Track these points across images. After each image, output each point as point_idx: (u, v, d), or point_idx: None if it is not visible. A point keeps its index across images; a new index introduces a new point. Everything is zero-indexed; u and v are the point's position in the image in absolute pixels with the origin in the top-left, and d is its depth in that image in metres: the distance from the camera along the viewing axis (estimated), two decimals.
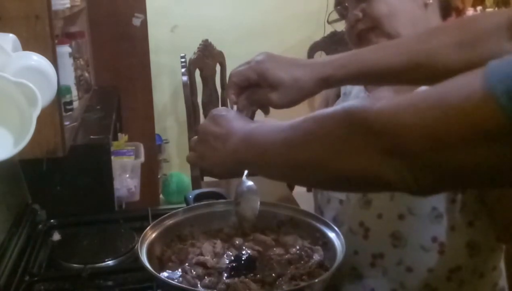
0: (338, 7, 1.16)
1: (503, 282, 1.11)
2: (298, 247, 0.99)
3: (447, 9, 1.12)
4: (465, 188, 0.88)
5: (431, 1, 1.08)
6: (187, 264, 0.94)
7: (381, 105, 0.56)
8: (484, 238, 1.04)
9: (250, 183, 0.95)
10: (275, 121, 0.73)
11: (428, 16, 1.08)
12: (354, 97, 1.18)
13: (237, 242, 1.01)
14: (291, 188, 1.85)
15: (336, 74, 0.84)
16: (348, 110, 0.59)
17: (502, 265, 1.11)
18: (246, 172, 0.92)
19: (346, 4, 1.13)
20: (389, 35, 1.06)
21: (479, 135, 0.48)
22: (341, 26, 1.19)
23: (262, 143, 0.72)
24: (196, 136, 0.85)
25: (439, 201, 1.01)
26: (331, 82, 0.85)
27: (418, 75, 0.81)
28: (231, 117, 0.82)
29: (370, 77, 0.85)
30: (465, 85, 0.50)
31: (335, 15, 1.19)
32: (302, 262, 0.94)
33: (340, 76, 0.84)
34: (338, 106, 0.63)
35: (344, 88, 1.22)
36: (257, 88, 0.87)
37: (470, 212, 1.02)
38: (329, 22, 1.21)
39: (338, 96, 1.23)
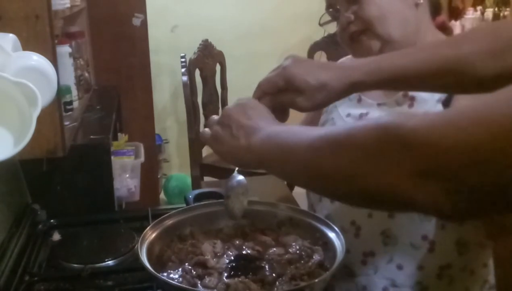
0: (330, 10, 1.17)
1: (493, 279, 1.12)
2: (298, 247, 0.99)
3: (437, 9, 1.12)
4: (502, 212, 0.86)
5: (421, 1, 1.08)
6: (187, 264, 0.94)
7: (416, 122, 0.52)
8: (473, 236, 1.05)
9: (240, 177, 0.95)
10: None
11: (419, 16, 1.09)
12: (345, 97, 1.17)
13: (237, 242, 1.01)
14: (291, 188, 1.84)
15: (366, 80, 0.82)
16: (381, 125, 0.55)
17: (492, 262, 1.12)
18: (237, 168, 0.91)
19: (338, 7, 1.13)
20: (380, 37, 1.07)
21: None
22: (334, 28, 1.20)
23: (287, 144, 0.69)
24: (215, 116, 0.83)
25: None
26: (359, 87, 0.85)
27: (448, 81, 0.80)
28: (261, 112, 0.80)
29: (400, 83, 0.83)
30: (508, 101, 0.47)
31: (327, 17, 1.19)
32: (302, 262, 0.94)
33: (370, 82, 0.82)
34: (370, 119, 0.60)
35: None
36: (283, 92, 0.85)
37: None
38: (320, 24, 1.21)
39: None
